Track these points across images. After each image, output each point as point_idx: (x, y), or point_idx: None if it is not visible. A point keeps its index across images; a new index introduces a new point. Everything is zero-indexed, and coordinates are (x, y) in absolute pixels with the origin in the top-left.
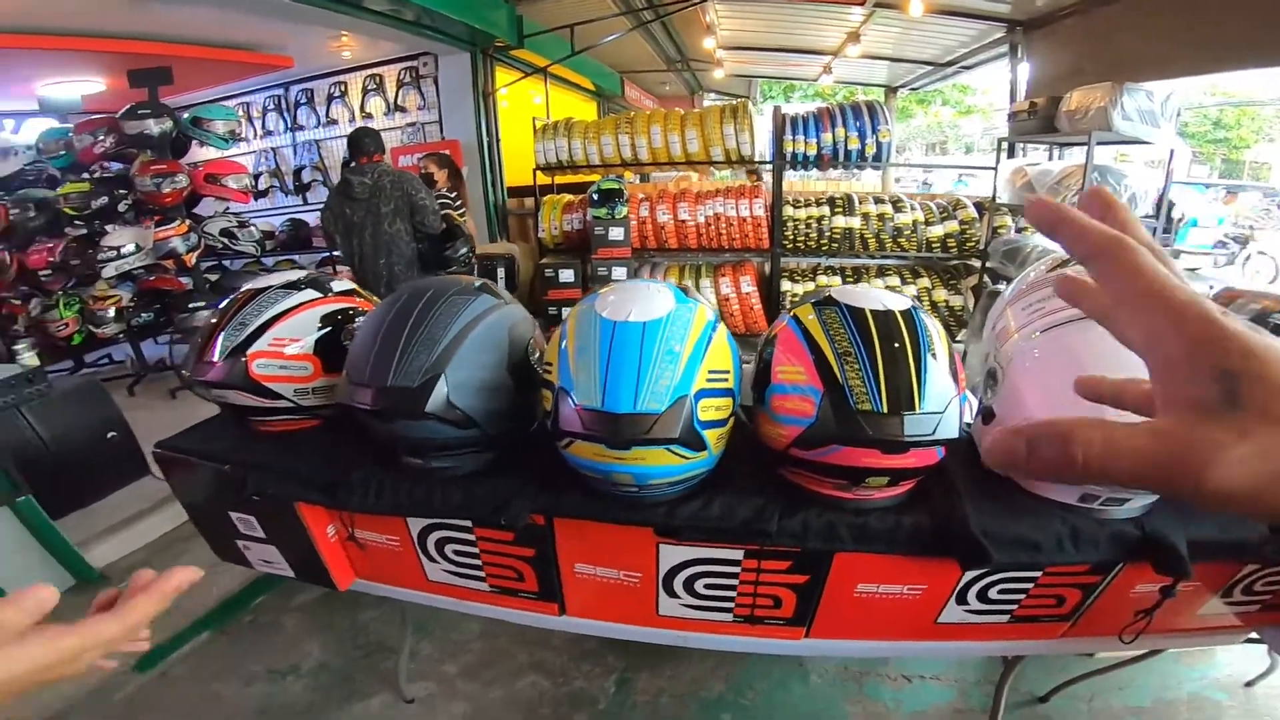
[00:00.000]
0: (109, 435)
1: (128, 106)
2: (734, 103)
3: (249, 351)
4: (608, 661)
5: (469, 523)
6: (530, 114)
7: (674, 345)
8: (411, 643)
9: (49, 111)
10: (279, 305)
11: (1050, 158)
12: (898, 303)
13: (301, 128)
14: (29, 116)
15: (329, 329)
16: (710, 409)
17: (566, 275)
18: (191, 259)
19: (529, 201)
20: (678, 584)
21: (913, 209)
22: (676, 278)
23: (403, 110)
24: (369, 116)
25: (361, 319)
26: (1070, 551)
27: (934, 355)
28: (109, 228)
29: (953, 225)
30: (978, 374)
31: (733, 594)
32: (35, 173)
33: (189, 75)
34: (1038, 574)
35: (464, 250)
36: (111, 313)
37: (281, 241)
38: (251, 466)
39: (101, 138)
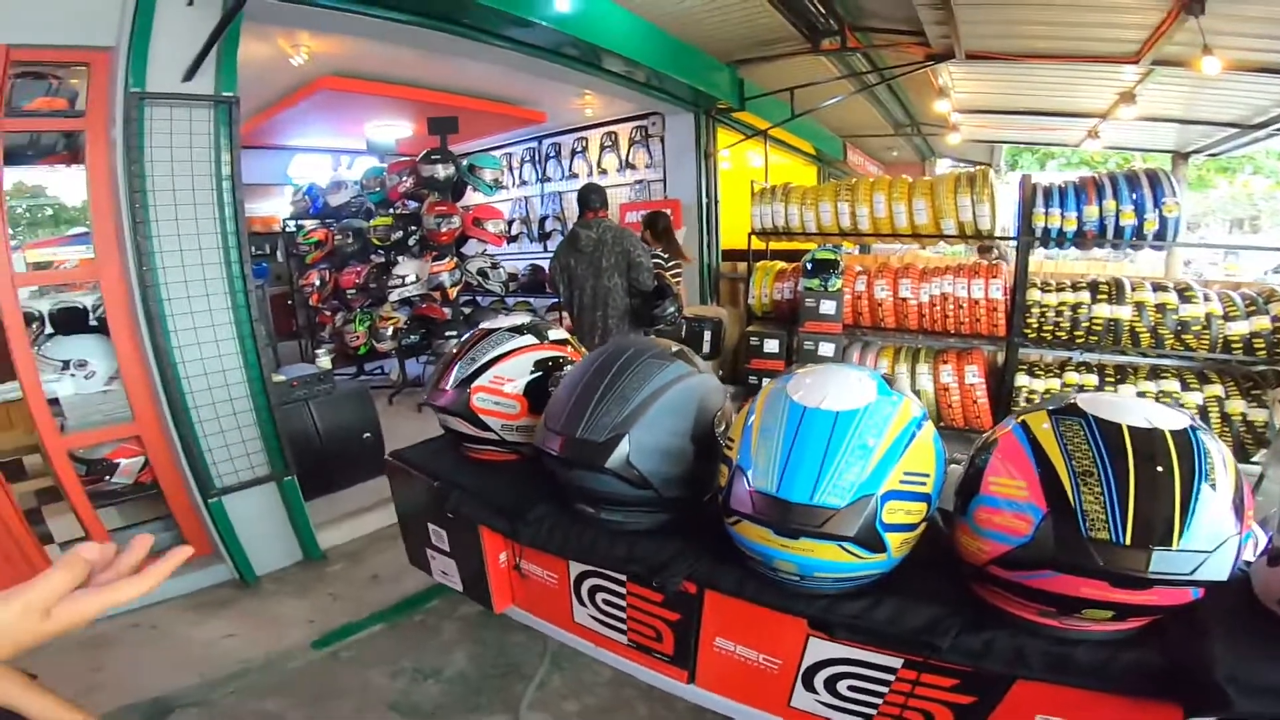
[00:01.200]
0: (365, 435)
1: (424, 152)
2: (971, 170)
3: (473, 385)
4: None
5: (623, 576)
6: (750, 176)
7: (867, 439)
8: (544, 673)
9: (373, 151)
10: (503, 346)
11: None
12: (1169, 419)
13: (549, 179)
14: (359, 154)
15: (539, 374)
16: (899, 511)
17: (771, 346)
18: (453, 293)
19: (742, 266)
20: (819, 680)
21: (1207, 299)
22: (890, 360)
23: (633, 167)
24: (604, 172)
25: (569, 368)
26: None
27: (1212, 485)
28: (399, 258)
29: (1262, 322)
30: (1274, 504)
31: (878, 701)
32: (357, 205)
33: (469, 125)
34: None
35: (671, 310)
36: (390, 331)
37: (522, 284)
38: (455, 486)
39: (405, 178)
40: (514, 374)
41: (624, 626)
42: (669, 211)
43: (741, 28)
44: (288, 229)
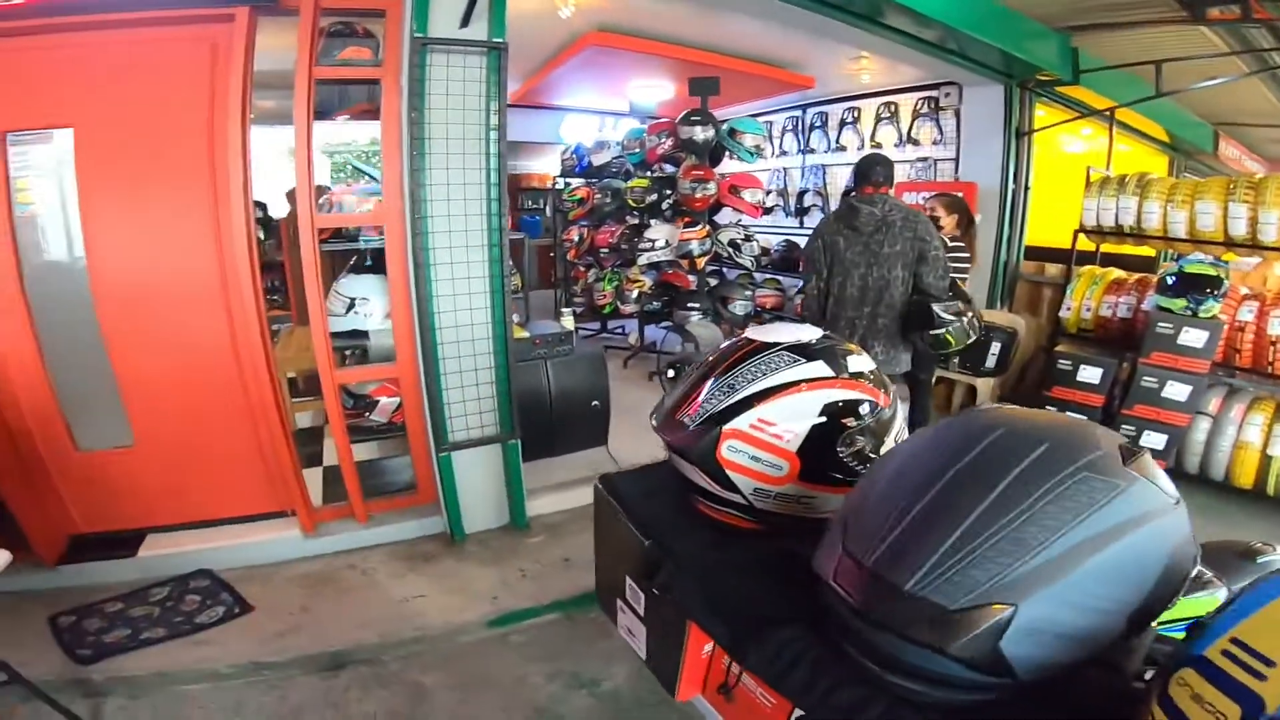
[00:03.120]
0: (593, 403)
1: (683, 113)
2: None
3: (725, 427)
4: None
5: None
6: (1069, 162)
7: None
8: None
9: (635, 114)
10: (779, 375)
11: None
12: None
13: (812, 150)
14: (622, 116)
15: (825, 420)
16: None
17: (1089, 374)
18: (701, 262)
19: (1053, 269)
20: None
21: None
22: (1268, 418)
23: (915, 143)
24: (878, 146)
25: (868, 419)
26: None
27: None
28: (652, 221)
29: None
30: None
31: None
32: (618, 165)
33: (731, 89)
34: None
35: (957, 318)
36: (635, 294)
37: (773, 260)
38: (669, 555)
39: (663, 140)
40: (789, 420)
41: None
42: (961, 195)
43: None
44: (557, 186)
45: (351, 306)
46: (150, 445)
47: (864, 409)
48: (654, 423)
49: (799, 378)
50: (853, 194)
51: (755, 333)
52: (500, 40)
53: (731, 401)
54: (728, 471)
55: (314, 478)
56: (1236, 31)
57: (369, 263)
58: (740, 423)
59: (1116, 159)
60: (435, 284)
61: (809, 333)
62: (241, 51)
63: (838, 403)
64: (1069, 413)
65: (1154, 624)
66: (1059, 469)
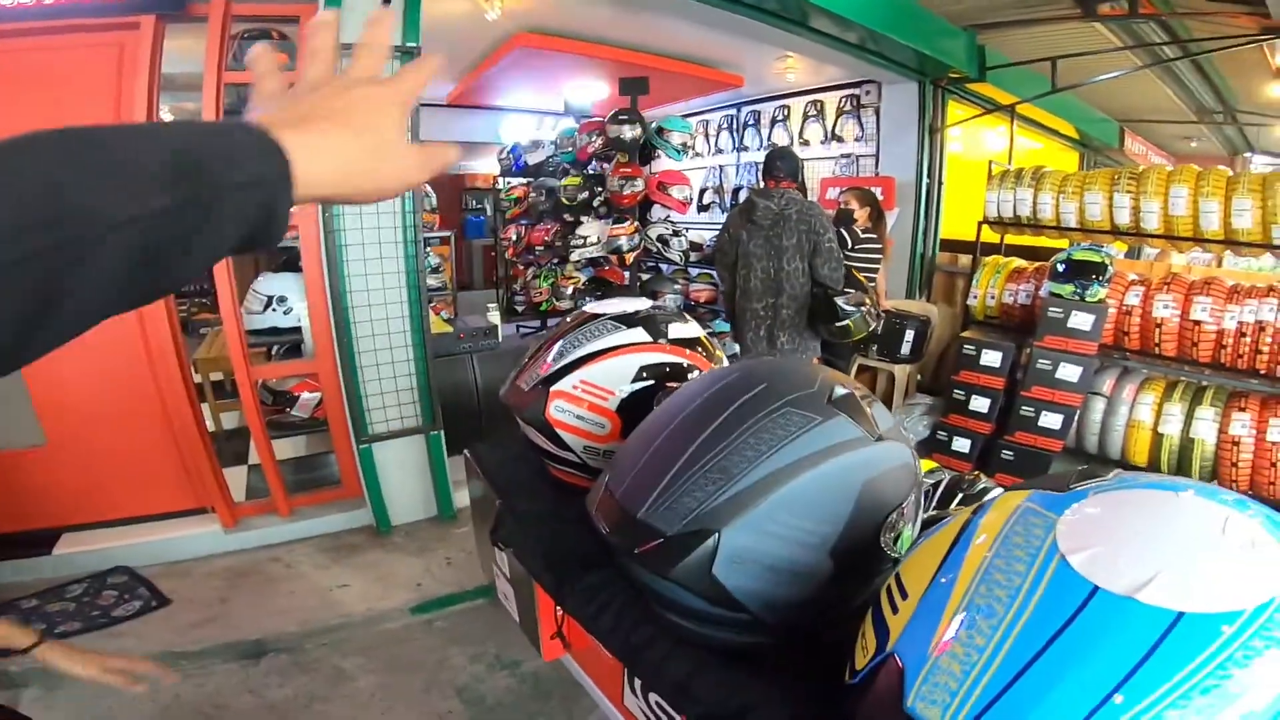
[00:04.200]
0: None
1: (612, 112)
2: None
3: (553, 389)
4: None
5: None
6: (982, 160)
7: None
8: None
9: (570, 113)
10: (601, 341)
11: None
12: None
13: (746, 148)
14: (559, 116)
15: (649, 383)
16: None
17: (991, 358)
18: (630, 258)
19: (964, 259)
20: None
21: None
22: (1158, 396)
23: (840, 140)
24: (805, 143)
25: (682, 384)
26: None
27: None
28: (584, 219)
29: None
30: None
31: None
32: (553, 165)
33: (663, 88)
34: None
35: (858, 309)
36: (569, 290)
37: (706, 256)
38: (512, 512)
39: (594, 139)
40: (610, 382)
41: None
42: (874, 190)
43: None
44: (497, 186)
45: (269, 304)
46: (63, 444)
47: (686, 371)
48: (501, 391)
49: (620, 343)
50: (757, 188)
51: (592, 306)
52: (414, 44)
53: (559, 366)
54: (558, 430)
55: (239, 475)
56: (1128, 27)
57: (285, 260)
58: (564, 384)
59: (1030, 155)
60: (348, 279)
61: (637, 304)
62: (148, 58)
63: (659, 365)
64: (974, 395)
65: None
66: (767, 404)
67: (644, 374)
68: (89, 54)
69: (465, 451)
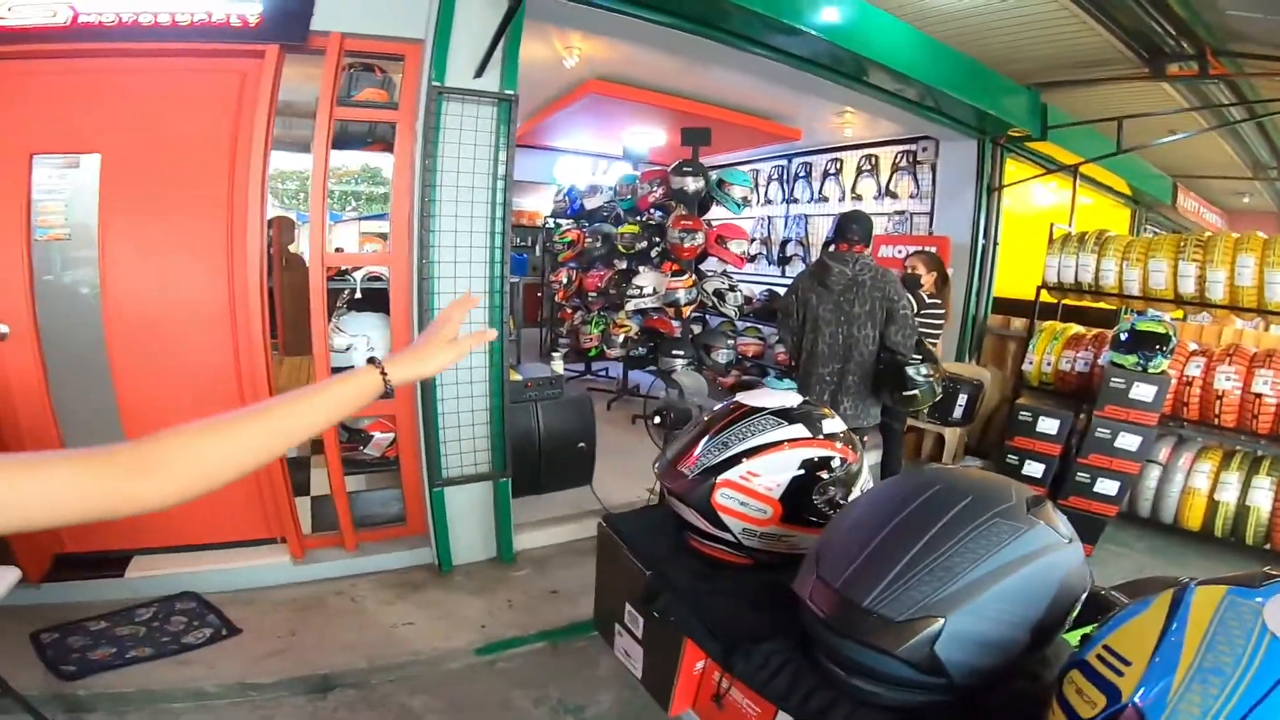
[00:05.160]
0: (580, 445)
1: (675, 163)
2: None
3: (720, 478)
4: None
5: None
6: (1036, 217)
7: None
8: None
9: (628, 158)
10: (765, 435)
11: None
12: None
13: (796, 200)
14: (615, 159)
15: (803, 473)
16: None
17: (1048, 426)
18: (687, 311)
19: (1018, 323)
20: None
21: None
22: (1215, 465)
23: (893, 196)
24: (858, 198)
25: (839, 472)
26: None
27: None
28: (640, 268)
29: None
30: None
31: None
32: (609, 210)
33: (720, 138)
34: None
35: (928, 379)
36: (620, 339)
37: (755, 309)
38: (668, 585)
39: (655, 188)
40: (773, 473)
41: None
42: (935, 250)
43: (1049, 46)
44: (547, 226)
45: (351, 344)
46: None
47: (836, 464)
48: (656, 471)
49: (782, 438)
50: (829, 250)
51: (745, 398)
52: (512, 92)
53: (725, 456)
54: (720, 514)
55: (304, 506)
56: (1195, 87)
57: (359, 298)
58: (732, 474)
59: (1081, 212)
60: None
61: (790, 399)
62: (269, 87)
63: (814, 459)
64: (1028, 460)
65: (1063, 637)
66: (978, 515)
67: (803, 466)
68: (214, 79)
69: (601, 521)
